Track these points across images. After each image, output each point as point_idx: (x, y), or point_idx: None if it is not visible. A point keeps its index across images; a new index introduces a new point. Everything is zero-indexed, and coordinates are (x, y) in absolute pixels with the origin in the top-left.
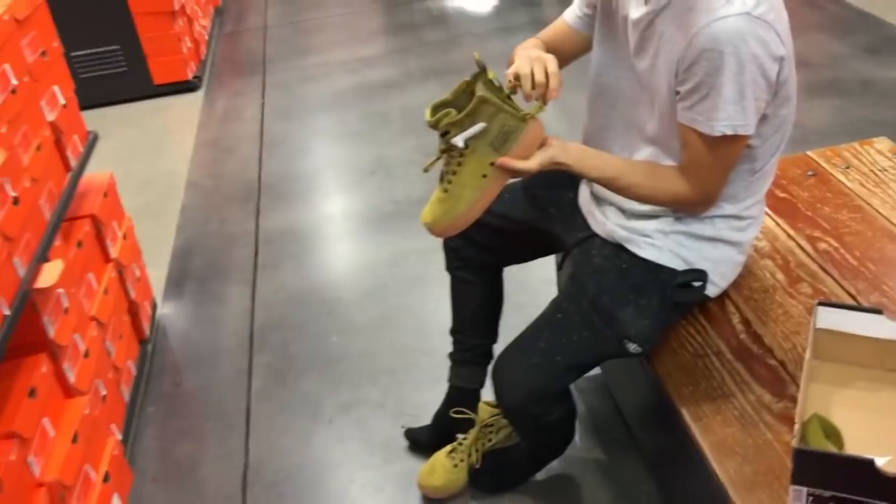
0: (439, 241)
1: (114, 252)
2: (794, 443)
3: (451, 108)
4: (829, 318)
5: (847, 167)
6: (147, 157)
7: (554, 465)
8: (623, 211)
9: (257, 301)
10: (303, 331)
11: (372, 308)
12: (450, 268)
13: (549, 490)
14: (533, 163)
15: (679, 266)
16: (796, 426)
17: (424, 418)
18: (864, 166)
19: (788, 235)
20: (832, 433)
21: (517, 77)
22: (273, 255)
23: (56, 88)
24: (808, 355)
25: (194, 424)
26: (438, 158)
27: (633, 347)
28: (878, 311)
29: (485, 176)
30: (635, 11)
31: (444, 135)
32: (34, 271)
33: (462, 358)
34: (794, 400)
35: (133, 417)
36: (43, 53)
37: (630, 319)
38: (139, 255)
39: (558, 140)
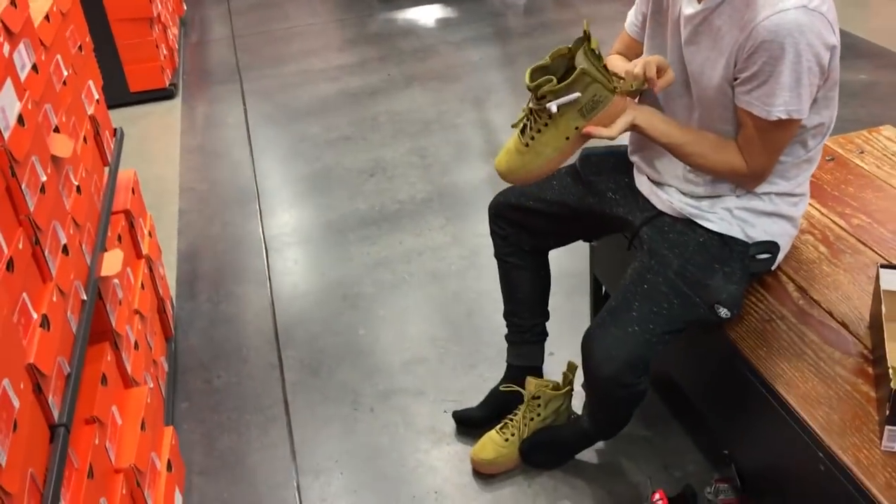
0: (452, 238)
1: (144, 248)
2: (893, 385)
3: (550, 76)
4: (893, 280)
5: (861, 152)
6: (133, 163)
7: (600, 442)
8: (684, 193)
9: (276, 299)
10: (328, 325)
11: (395, 302)
12: (500, 254)
13: (599, 464)
14: (614, 130)
15: (746, 239)
16: (891, 371)
17: (466, 403)
18: (877, 151)
19: (821, 213)
20: None
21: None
22: (284, 255)
23: (91, 83)
24: (884, 311)
25: (232, 418)
26: (526, 116)
27: (723, 312)
28: None
29: (567, 138)
30: (688, 7)
31: (540, 98)
32: (98, 260)
33: (521, 339)
34: (862, 356)
35: (169, 413)
36: (80, 48)
37: (720, 285)
38: (160, 253)
39: (633, 102)
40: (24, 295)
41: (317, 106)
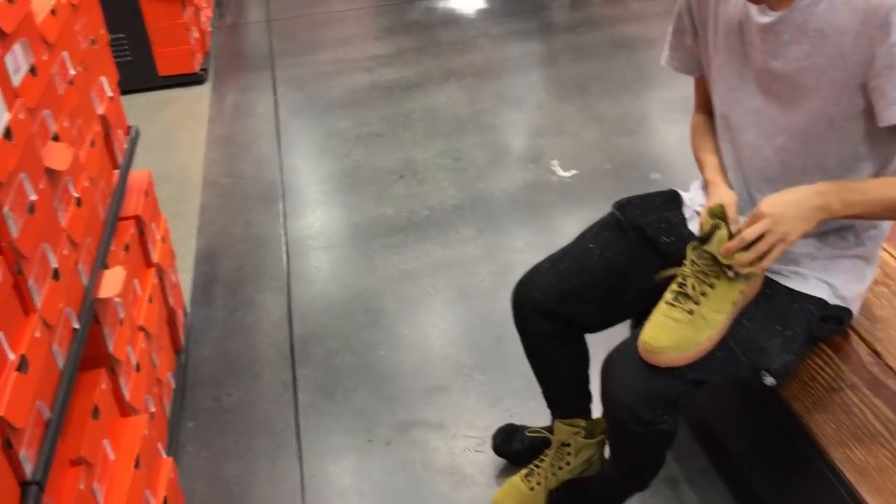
0: (483, 251)
1: (155, 256)
2: None
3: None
4: None
5: None
6: (157, 152)
7: (633, 497)
8: None
9: (294, 309)
10: (347, 342)
11: (419, 320)
12: (533, 350)
13: None
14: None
15: (823, 295)
16: None
17: (489, 441)
18: None
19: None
20: None
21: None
22: (305, 261)
23: (104, 79)
24: None
25: (240, 442)
26: (682, 278)
27: (769, 380)
28: None
29: (734, 303)
30: (761, 17)
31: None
32: (96, 279)
33: (565, 413)
34: None
35: (173, 434)
36: (92, 42)
37: (776, 352)
38: (174, 258)
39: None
40: (0, 334)
41: (349, 98)
